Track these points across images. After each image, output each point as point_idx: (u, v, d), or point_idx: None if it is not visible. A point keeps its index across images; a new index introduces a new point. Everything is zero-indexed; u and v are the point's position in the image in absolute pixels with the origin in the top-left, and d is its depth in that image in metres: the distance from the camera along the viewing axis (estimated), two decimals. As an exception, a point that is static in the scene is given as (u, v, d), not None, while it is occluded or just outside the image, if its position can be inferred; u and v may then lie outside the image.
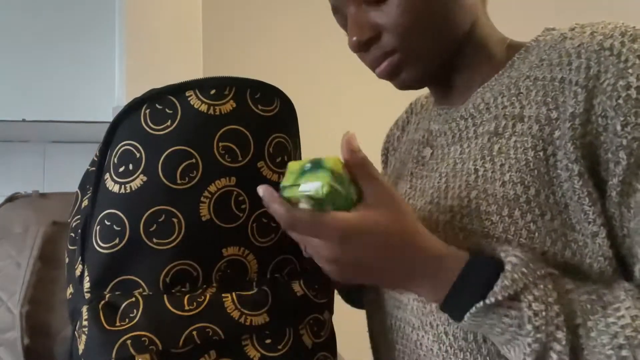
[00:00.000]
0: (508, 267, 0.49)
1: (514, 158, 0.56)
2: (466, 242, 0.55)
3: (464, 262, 0.51)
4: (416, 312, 0.61)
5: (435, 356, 0.59)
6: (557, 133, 0.54)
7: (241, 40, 1.99)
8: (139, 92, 0.60)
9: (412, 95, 0.78)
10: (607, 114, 0.51)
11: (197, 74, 1.50)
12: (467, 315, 0.49)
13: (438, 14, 0.59)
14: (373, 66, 0.63)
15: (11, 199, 0.88)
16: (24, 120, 1.51)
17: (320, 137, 1.96)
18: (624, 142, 0.50)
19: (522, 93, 0.58)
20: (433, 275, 0.51)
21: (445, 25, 0.60)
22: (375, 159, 0.88)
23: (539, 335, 0.47)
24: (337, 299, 0.65)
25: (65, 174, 1.77)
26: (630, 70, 0.50)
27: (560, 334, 0.47)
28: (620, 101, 0.50)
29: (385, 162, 0.87)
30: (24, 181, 1.72)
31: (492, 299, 0.48)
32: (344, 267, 0.50)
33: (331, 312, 0.65)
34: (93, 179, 0.59)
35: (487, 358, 0.55)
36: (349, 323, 0.74)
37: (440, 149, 0.66)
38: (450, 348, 0.57)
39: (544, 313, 0.47)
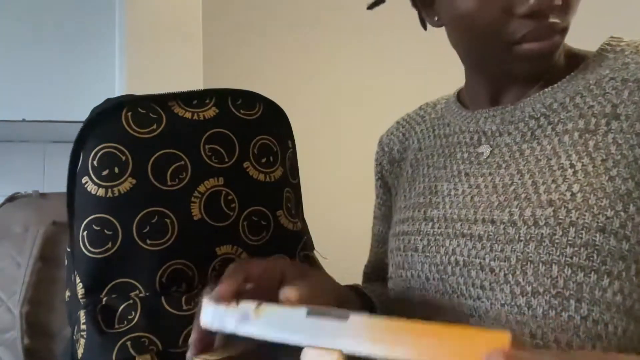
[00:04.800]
0: None
1: (619, 154, 0.56)
2: (579, 236, 0.53)
3: None
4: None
5: None
6: None
7: (241, 39, 1.99)
8: (139, 92, 0.62)
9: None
10: None
11: (197, 74, 1.51)
12: None
13: None
14: (528, 38, 0.59)
15: (11, 199, 0.89)
16: (24, 120, 1.51)
17: (318, 140, 1.96)
18: None
19: (609, 93, 0.59)
20: None
21: None
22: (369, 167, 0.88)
23: None
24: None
25: (65, 174, 1.75)
26: None
27: None
28: None
29: (383, 182, 0.86)
30: (24, 181, 1.73)
31: None
32: None
33: None
34: (67, 184, 0.60)
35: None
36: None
37: (505, 148, 0.65)
38: None
39: None
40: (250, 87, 0.71)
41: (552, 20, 0.57)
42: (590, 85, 0.61)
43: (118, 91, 1.54)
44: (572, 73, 0.63)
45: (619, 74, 0.59)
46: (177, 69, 1.48)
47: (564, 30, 0.59)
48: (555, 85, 0.63)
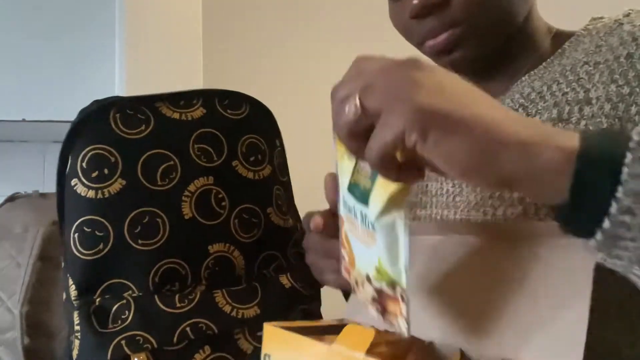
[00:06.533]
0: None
1: None
2: None
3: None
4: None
5: None
6: (633, 109, 0.53)
7: (241, 38, 1.99)
8: (139, 92, 0.63)
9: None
10: None
11: (197, 73, 1.51)
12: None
13: None
14: (426, 37, 0.59)
15: (11, 199, 0.89)
16: (24, 120, 1.51)
17: (317, 138, 1.96)
18: None
19: (582, 78, 0.58)
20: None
21: (511, 4, 0.59)
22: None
23: None
24: (326, 292, 0.66)
25: (65, 174, 1.76)
26: None
27: None
28: None
29: None
30: (24, 181, 1.72)
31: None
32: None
33: (319, 303, 0.67)
34: (56, 186, 0.60)
35: None
36: (338, 315, 0.74)
37: None
38: None
39: None
40: (250, 87, 0.72)
41: (433, 20, 0.58)
42: (565, 72, 0.60)
43: (118, 91, 1.54)
44: (548, 59, 0.62)
45: (592, 58, 0.58)
46: (177, 69, 1.48)
47: (457, 23, 0.57)
48: (532, 72, 0.62)
